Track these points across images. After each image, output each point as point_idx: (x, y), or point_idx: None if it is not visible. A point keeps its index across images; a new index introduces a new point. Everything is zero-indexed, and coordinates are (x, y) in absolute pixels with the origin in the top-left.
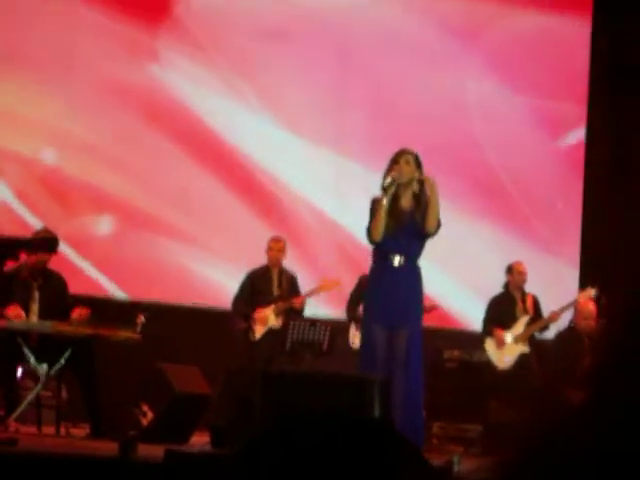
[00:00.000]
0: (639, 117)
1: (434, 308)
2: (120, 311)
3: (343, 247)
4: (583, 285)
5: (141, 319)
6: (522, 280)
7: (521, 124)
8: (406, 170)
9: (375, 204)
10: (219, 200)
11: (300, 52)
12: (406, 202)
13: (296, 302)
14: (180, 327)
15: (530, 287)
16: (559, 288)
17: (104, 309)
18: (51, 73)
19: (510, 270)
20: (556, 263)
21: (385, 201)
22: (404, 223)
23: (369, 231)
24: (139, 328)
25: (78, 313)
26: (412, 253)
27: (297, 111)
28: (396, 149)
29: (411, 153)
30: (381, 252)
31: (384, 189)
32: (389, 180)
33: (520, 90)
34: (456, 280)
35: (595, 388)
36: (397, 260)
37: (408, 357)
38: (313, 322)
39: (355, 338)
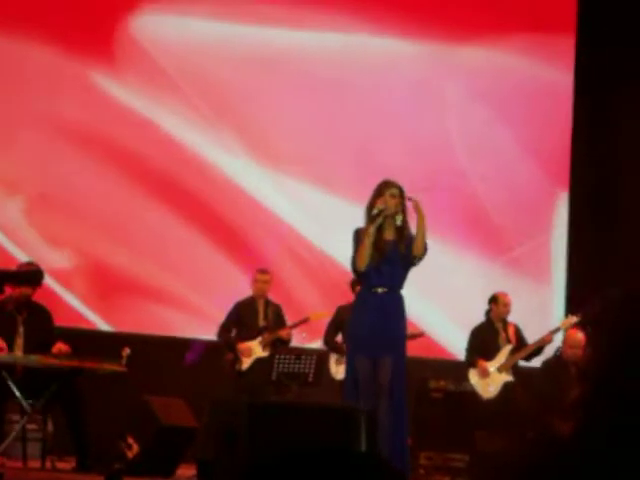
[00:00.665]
0: (625, 139)
1: (420, 335)
2: (105, 344)
3: (325, 278)
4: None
5: (126, 351)
6: (506, 311)
7: (505, 154)
8: (391, 203)
9: (358, 235)
10: (196, 239)
11: (281, 84)
12: (389, 234)
13: (282, 333)
14: (166, 359)
15: (515, 316)
16: (544, 317)
17: (89, 342)
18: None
19: (494, 300)
20: (541, 292)
21: (372, 230)
22: (387, 254)
23: (354, 261)
24: (124, 360)
25: (58, 349)
26: (395, 283)
27: (279, 145)
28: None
29: (396, 186)
30: (365, 282)
31: (370, 219)
32: (376, 211)
33: (505, 121)
34: (442, 310)
35: (582, 417)
36: (380, 290)
37: (392, 386)
38: (298, 354)
39: (337, 368)
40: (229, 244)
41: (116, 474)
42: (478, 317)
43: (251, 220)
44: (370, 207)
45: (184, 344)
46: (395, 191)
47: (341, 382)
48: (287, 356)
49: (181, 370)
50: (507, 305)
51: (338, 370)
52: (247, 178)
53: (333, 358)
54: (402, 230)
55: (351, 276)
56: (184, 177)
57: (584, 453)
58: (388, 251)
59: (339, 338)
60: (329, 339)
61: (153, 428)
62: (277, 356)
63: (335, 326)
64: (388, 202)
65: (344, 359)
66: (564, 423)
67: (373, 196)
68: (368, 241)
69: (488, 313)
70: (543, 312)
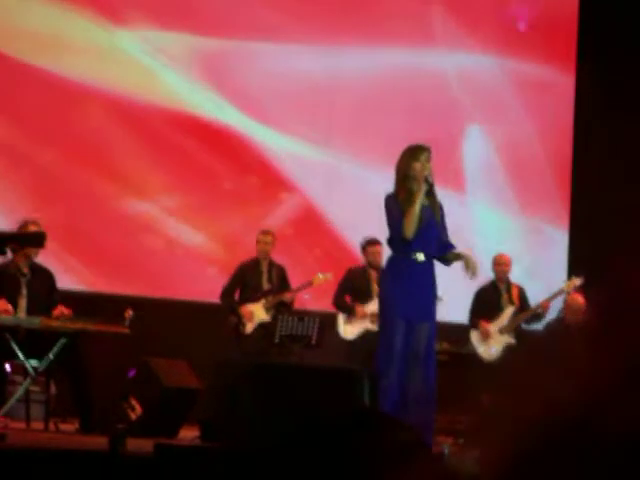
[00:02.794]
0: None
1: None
2: (108, 305)
3: (329, 241)
4: (571, 271)
5: (129, 313)
6: (505, 271)
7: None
8: (428, 167)
9: (392, 201)
10: (210, 194)
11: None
12: (424, 200)
13: (286, 297)
14: (168, 321)
15: (517, 275)
16: (549, 275)
17: (92, 303)
18: None
19: (493, 262)
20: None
21: (421, 197)
22: (424, 220)
23: (399, 228)
24: (127, 322)
25: (60, 312)
26: (432, 249)
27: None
28: (386, 144)
29: (430, 150)
30: (403, 248)
31: (413, 185)
32: (427, 174)
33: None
34: (444, 271)
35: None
36: (420, 256)
37: (427, 353)
38: (301, 316)
39: (346, 327)
40: (233, 204)
41: (119, 435)
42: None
43: (257, 180)
44: (403, 171)
45: (188, 306)
46: (429, 155)
47: (349, 342)
48: (290, 318)
49: (184, 332)
50: (505, 264)
51: (346, 330)
52: (249, 134)
53: (342, 318)
54: (433, 194)
55: (358, 239)
56: (184, 134)
57: (585, 415)
58: (425, 217)
59: (347, 299)
60: (339, 300)
61: (156, 389)
62: (280, 317)
63: (345, 287)
64: (426, 166)
65: (354, 319)
66: (565, 385)
67: (406, 160)
68: (417, 208)
69: (492, 274)
70: (548, 272)
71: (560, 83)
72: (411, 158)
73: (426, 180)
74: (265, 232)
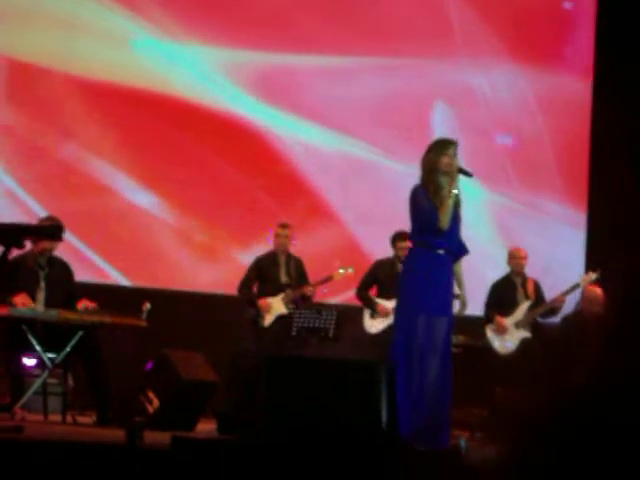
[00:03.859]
0: None
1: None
2: (125, 298)
3: (346, 235)
4: (588, 266)
5: (146, 306)
6: (521, 265)
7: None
8: (457, 162)
9: (421, 194)
10: (226, 185)
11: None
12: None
13: (305, 291)
14: (185, 313)
15: (534, 270)
16: (565, 271)
17: (109, 296)
18: None
19: (509, 256)
20: (564, 245)
21: (455, 191)
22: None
23: (437, 220)
24: (145, 315)
25: (83, 305)
26: (454, 244)
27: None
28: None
29: (457, 144)
30: (430, 242)
31: (445, 178)
32: (465, 170)
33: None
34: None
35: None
36: (442, 251)
37: (445, 345)
38: (319, 309)
39: (372, 322)
40: (250, 198)
41: (137, 428)
42: (497, 272)
43: (274, 176)
44: (431, 165)
45: (205, 299)
46: (456, 149)
47: (372, 335)
48: (307, 311)
49: (201, 325)
50: (522, 258)
51: (371, 324)
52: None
53: (367, 312)
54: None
55: (386, 232)
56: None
57: (599, 408)
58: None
59: (373, 291)
60: (362, 293)
61: (173, 382)
62: (297, 310)
63: (369, 279)
64: (454, 161)
65: (377, 315)
66: (581, 378)
67: (434, 154)
68: (451, 201)
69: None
70: (565, 266)
71: (578, 87)
72: (439, 152)
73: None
74: (284, 225)
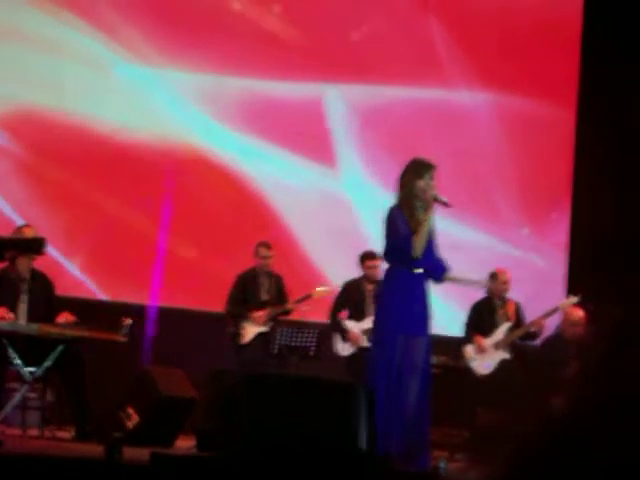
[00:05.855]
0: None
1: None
2: (106, 313)
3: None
4: (570, 291)
5: (127, 321)
6: (505, 289)
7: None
8: (432, 186)
9: (397, 215)
10: (207, 203)
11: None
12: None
13: (286, 307)
14: (167, 330)
15: (515, 293)
16: (545, 294)
17: (90, 311)
18: None
19: (493, 277)
20: (542, 268)
21: (430, 219)
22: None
23: (412, 247)
24: (124, 331)
25: (64, 318)
26: (430, 264)
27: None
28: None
29: (435, 167)
30: (405, 262)
31: (423, 204)
32: (442, 199)
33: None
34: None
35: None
36: (419, 271)
37: (423, 365)
38: (300, 327)
39: (344, 344)
40: (230, 215)
41: (115, 443)
42: (474, 292)
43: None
44: (407, 188)
45: (186, 314)
46: (433, 172)
47: (345, 358)
48: (289, 329)
49: (182, 341)
50: (506, 282)
51: (344, 347)
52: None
53: (338, 336)
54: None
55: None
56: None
57: (580, 430)
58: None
59: (344, 314)
60: (333, 320)
61: (153, 398)
62: (279, 329)
63: (341, 302)
64: (429, 185)
65: (349, 341)
66: (561, 400)
67: (410, 176)
68: (426, 229)
69: (489, 292)
70: (544, 290)
71: (560, 118)
72: (415, 175)
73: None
74: (266, 245)
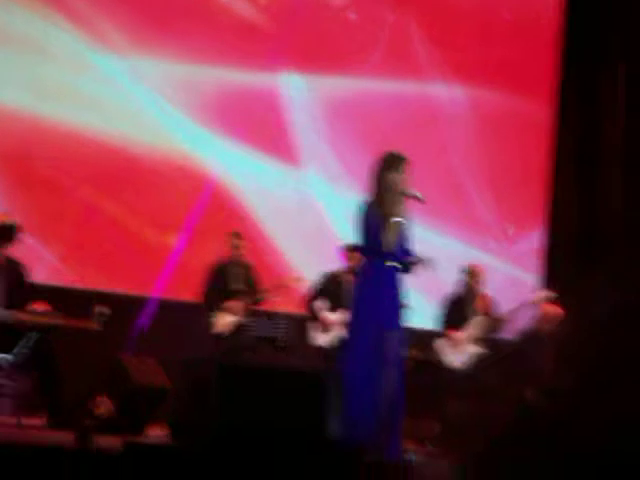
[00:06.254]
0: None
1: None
2: (79, 301)
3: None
4: (545, 286)
5: (100, 309)
6: (478, 282)
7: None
8: (405, 179)
9: (369, 209)
10: (178, 192)
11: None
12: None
13: (259, 296)
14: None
15: (489, 289)
16: (516, 290)
17: (63, 299)
18: None
19: (467, 272)
20: (514, 267)
21: (402, 213)
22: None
23: (383, 241)
24: (97, 319)
25: (38, 307)
26: (404, 257)
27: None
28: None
29: (408, 160)
30: (379, 255)
31: (394, 197)
32: (416, 194)
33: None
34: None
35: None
36: (393, 264)
37: (397, 358)
38: (272, 317)
39: (317, 334)
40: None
41: (87, 431)
42: (446, 285)
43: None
44: (380, 181)
45: (161, 304)
46: (405, 165)
47: (319, 347)
48: (261, 319)
49: (156, 330)
50: (479, 275)
51: (317, 336)
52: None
53: (314, 327)
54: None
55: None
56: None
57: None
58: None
59: (319, 304)
60: (310, 304)
61: (125, 387)
62: (251, 319)
63: (318, 292)
64: (402, 177)
65: (325, 329)
66: (535, 393)
67: (384, 169)
68: (398, 224)
69: (462, 285)
70: (515, 286)
71: (539, 115)
72: (387, 169)
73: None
74: (237, 235)
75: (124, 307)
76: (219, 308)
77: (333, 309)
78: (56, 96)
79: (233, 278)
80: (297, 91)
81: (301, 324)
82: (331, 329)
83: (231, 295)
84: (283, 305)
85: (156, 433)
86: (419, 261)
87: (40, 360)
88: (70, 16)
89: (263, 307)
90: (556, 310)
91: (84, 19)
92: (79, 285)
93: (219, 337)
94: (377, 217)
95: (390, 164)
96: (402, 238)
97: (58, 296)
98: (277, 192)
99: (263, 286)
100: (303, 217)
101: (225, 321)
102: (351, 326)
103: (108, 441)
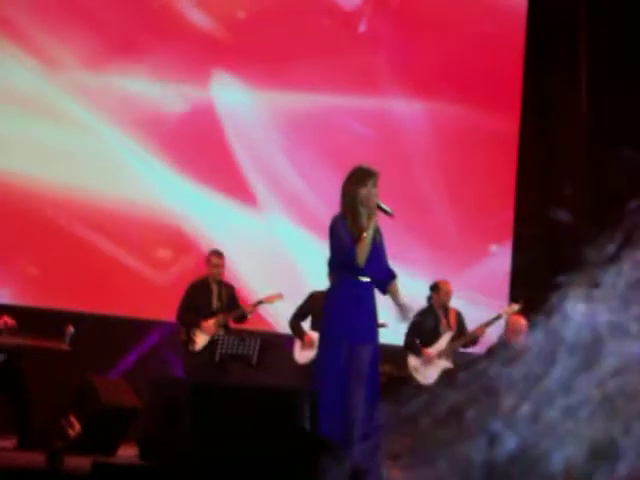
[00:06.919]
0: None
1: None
2: (48, 321)
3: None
4: (512, 299)
5: (70, 330)
6: (447, 299)
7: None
8: (375, 193)
9: (340, 224)
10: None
11: None
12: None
13: (241, 312)
14: (108, 338)
15: (455, 302)
16: (487, 303)
17: (31, 319)
18: None
19: (435, 288)
20: (484, 276)
21: (373, 227)
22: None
23: (354, 255)
24: (67, 339)
25: (3, 322)
26: (374, 273)
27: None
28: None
29: (377, 174)
30: (350, 271)
31: (366, 212)
32: (386, 207)
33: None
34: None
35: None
36: (365, 279)
37: (372, 374)
38: (242, 336)
39: (301, 352)
40: (170, 223)
41: (57, 452)
42: (414, 300)
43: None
44: (350, 195)
45: (130, 323)
46: (376, 180)
47: (301, 366)
48: (231, 337)
49: (125, 350)
50: (448, 293)
51: (302, 354)
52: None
53: (298, 342)
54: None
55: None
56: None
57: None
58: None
59: (305, 323)
60: (292, 323)
61: (95, 407)
62: (221, 337)
63: (305, 310)
64: (372, 192)
65: (304, 344)
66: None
67: (352, 184)
68: (369, 237)
69: (430, 301)
70: (486, 299)
71: (504, 128)
72: (357, 183)
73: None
74: (218, 254)
75: (93, 327)
76: (196, 327)
77: (315, 328)
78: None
79: (211, 296)
80: (246, 108)
81: (271, 342)
82: (312, 347)
83: (209, 314)
84: (259, 324)
85: (127, 453)
86: (394, 297)
87: (8, 381)
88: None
89: (240, 326)
90: (523, 322)
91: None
92: (48, 305)
93: (196, 355)
94: (348, 232)
95: (360, 179)
96: (375, 253)
97: (26, 316)
98: (240, 231)
99: (242, 305)
100: (268, 254)
101: (201, 340)
102: (323, 342)
103: (78, 462)
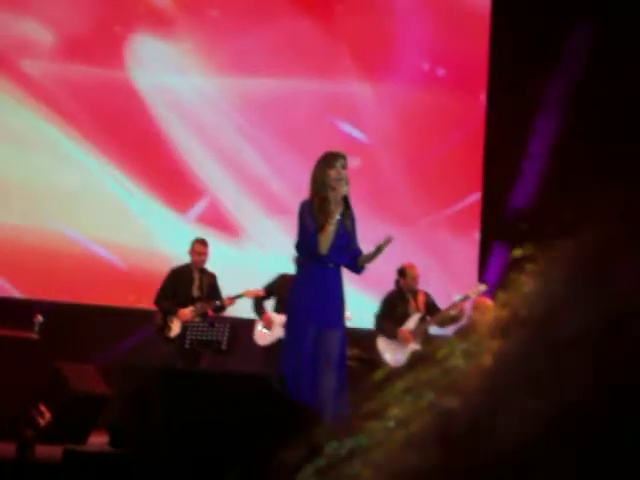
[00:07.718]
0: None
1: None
2: (17, 310)
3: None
4: (480, 279)
5: (38, 318)
6: (415, 283)
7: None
8: (344, 175)
9: (306, 210)
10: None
11: None
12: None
13: (218, 303)
14: (79, 326)
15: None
16: (456, 285)
17: (0, 308)
18: None
19: (402, 272)
20: (453, 261)
21: (337, 215)
22: (336, 232)
23: (317, 244)
24: (37, 328)
25: None
26: (340, 259)
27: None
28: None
29: (344, 156)
30: (315, 255)
31: (324, 195)
32: (343, 189)
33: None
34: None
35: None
36: (330, 264)
37: (339, 357)
38: (212, 322)
39: (261, 333)
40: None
41: (28, 441)
42: (383, 283)
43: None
44: (318, 179)
45: (101, 311)
46: (345, 162)
47: (265, 348)
48: (200, 324)
49: (95, 337)
50: (415, 277)
51: (261, 335)
52: None
53: (258, 323)
54: (346, 202)
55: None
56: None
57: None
58: (337, 229)
59: (268, 304)
60: (261, 303)
61: (65, 395)
62: (190, 324)
63: (270, 290)
64: (341, 173)
65: (262, 322)
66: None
67: (321, 167)
68: (333, 226)
69: (397, 283)
70: (456, 281)
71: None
72: (326, 166)
73: (343, 197)
74: (202, 242)
75: (61, 316)
76: (173, 313)
77: (280, 311)
78: None
79: (192, 284)
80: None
81: (241, 327)
82: (274, 329)
83: (187, 301)
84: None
85: (97, 441)
86: (367, 258)
87: None
88: None
89: (216, 314)
90: (489, 303)
91: None
92: (17, 294)
93: (171, 342)
94: (313, 219)
95: (328, 161)
96: (342, 240)
97: None
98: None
99: (222, 298)
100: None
101: (177, 326)
102: (289, 326)
103: (49, 451)
